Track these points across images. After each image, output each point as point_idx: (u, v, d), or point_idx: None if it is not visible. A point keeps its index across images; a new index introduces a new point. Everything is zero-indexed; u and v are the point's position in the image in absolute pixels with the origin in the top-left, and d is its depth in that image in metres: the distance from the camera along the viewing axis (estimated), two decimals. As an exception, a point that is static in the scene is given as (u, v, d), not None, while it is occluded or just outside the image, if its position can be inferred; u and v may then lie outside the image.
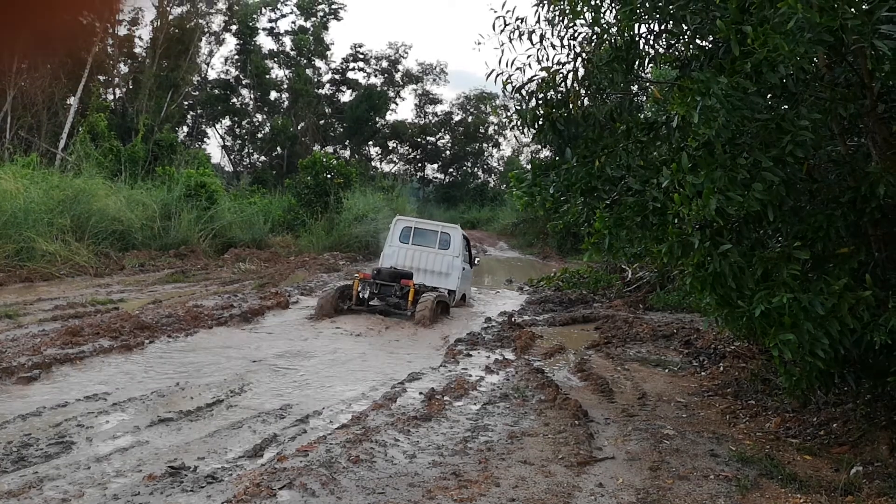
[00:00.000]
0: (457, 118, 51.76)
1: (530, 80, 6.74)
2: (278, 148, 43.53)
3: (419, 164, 53.33)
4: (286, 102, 45.23)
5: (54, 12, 0.80)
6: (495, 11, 6.65)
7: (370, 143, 49.72)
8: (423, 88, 50.44)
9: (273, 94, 45.51)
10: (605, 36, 6.48)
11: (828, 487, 5.02)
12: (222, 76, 43.74)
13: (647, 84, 7.54)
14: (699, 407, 7.62)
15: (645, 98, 7.80)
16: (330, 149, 45.74)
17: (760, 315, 4.98)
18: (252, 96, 44.58)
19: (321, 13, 44.70)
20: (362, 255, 23.00)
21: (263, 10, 43.48)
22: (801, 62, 4.75)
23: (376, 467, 5.02)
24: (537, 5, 6.59)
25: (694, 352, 10.36)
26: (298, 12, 44.37)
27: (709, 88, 4.70)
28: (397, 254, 14.32)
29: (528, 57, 6.75)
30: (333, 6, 44.78)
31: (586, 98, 6.83)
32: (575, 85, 6.71)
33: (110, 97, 34.12)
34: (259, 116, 45.36)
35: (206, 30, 39.37)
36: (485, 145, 52.36)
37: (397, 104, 50.86)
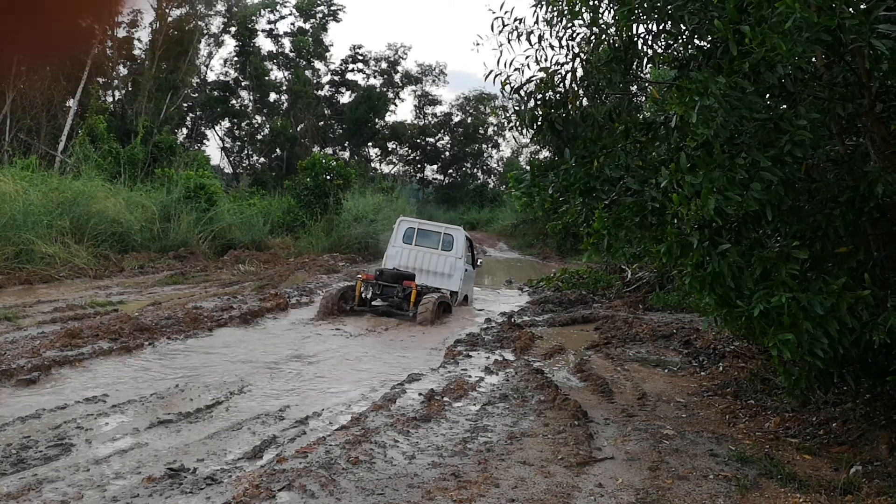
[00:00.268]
0: (456, 119, 51.84)
1: (529, 81, 6.73)
2: (277, 149, 43.54)
3: (419, 166, 53.37)
4: (285, 104, 45.25)
5: (55, 19, 0.80)
6: (494, 12, 6.66)
7: (370, 144, 49.75)
8: (422, 89, 50.54)
9: (272, 96, 45.58)
10: (604, 36, 6.47)
11: (827, 487, 5.02)
12: (221, 78, 43.84)
13: (646, 84, 7.54)
14: (699, 407, 7.62)
15: (643, 98, 7.80)
16: (329, 150, 45.75)
17: (759, 315, 4.97)
18: (251, 98, 44.60)
19: (320, 15, 44.74)
20: (362, 256, 23.00)
21: (262, 12, 43.52)
22: (800, 62, 4.75)
23: (376, 468, 5.02)
24: (535, 6, 6.58)
25: (693, 352, 10.36)
26: (297, 14, 44.43)
27: (707, 88, 4.70)
28: (400, 254, 14.38)
29: (527, 57, 6.76)
30: (332, 7, 44.85)
31: (585, 98, 6.83)
32: (573, 85, 6.71)
33: (109, 99, 34.17)
34: (258, 118, 45.40)
35: (205, 31, 39.42)
36: (484, 146, 52.42)
37: (396, 105, 50.93)
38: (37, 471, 4.65)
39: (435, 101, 51.34)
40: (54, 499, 4.23)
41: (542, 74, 6.70)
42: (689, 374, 9.20)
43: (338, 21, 46.72)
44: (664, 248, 5.58)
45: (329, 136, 47.81)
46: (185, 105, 40.48)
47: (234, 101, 44.14)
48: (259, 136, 45.14)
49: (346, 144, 48.84)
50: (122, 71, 35.68)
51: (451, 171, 52.87)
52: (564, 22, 6.54)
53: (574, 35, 6.66)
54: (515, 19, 6.64)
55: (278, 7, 43.96)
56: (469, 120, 51.15)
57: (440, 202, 49.24)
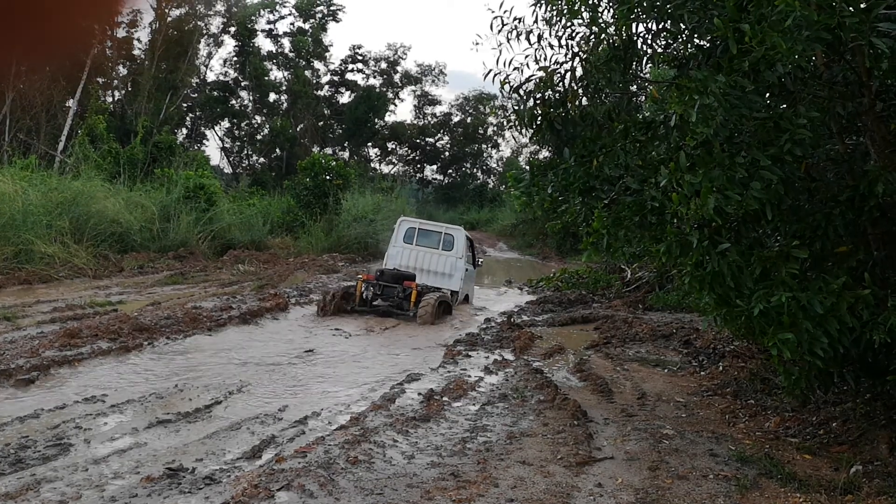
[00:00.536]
0: (456, 119, 51.84)
1: (528, 80, 6.72)
2: (277, 149, 43.54)
3: (418, 166, 53.36)
4: (285, 104, 45.25)
5: (54, 19, 0.79)
6: (493, 11, 6.65)
7: (369, 144, 49.75)
8: (421, 89, 50.54)
9: (272, 96, 45.59)
10: (603, 35, 6.46)
11: (827, 487, 5.01)
12: (221, 78, 43.83)
13: (646, 83, 7.53)
14: (698, 407, 7.61)
15: (643, 97, 7.79)
16: (329, 150, 45.75)
17: (759, 314, 4.96)
18: (251, 98, 44.62)
19: (319, 15, 44.74)
20: (361, 256, 22.99)
21: (262, 12, 43.53)
22: (799, 60, 4.74)
23: (375, 468, 5.01)
24: (535, 5, 6.57)
25: (693, 351, 10.35)
26: (297, 14, 44.43)
27: (707, 87, 4.69)
28: (401, 254, 14.43)
29: (526, 57, 6.74)
30: (332, 7, 44.84)
31: (584, 98, 6.82)
32: (573, 84, 6.70)
33: (109, 99, 34.16)
34: (258, 118, 45.41)
35: (204, 32, 39.41)
36: (484, 146, 52.42)
37: (396, 105, 50.97)
38: (35, 471, 4.64)
39: (434, 101, 51.40)
40: (52, 499, 4.22)
41: (541, 74, 6.69)
42: (688, 374, 9.19)
43: (337, 21, 46.77)
44: (664, 247, 5.57)
45: (329, 136, 47.80)
46: (185, 105, 40.49)
47: (233, 102, 44.13)
48: (259, 137, 45.15)
49: (345, 144, 48.84)
50: (122, 71, 35.72)
51: (450, 171, 52.87)
52: (564, 21, 6.53)
53: (573, 34, 6.65)
54: (515, 18, 6.64)
55: (278, 7, 44.00)
56: (469, 120, 51.15)
57: (440, 202, 49.23)
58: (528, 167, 7.10)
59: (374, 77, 48.54)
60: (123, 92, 35.77)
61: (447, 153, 52.31)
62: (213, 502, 4.28)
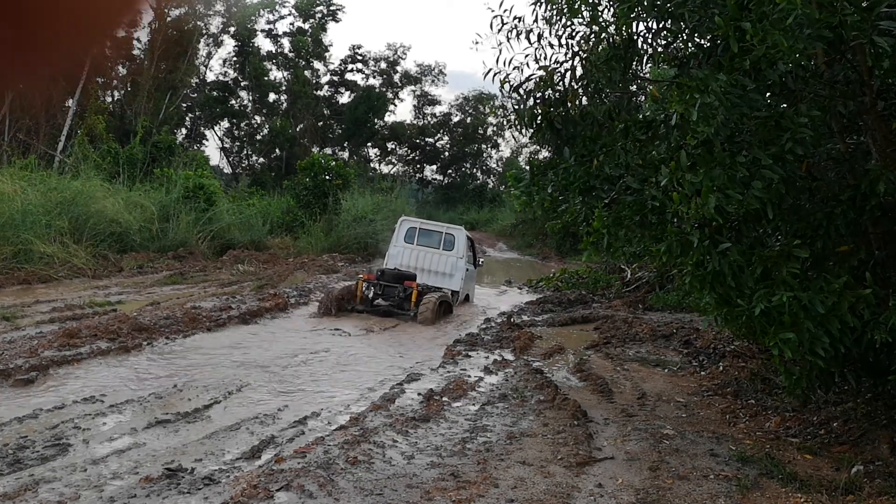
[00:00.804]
0: (455, 119, 51.75)
1: (528, 80, 6.70)
2: (277, 150, 43.49)
3: (418, 166, 53.30)
4: (285, 104, 45.19)
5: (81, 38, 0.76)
6: (493, 11, 6.64)
7: (369, 144, 49.69)
8: (421, 89, 50.43)
9: (272, 96, 45.50)
10: (603, 34, 6.45)
11: (828, 487, 5.00)
12: (221, 78, 43.73)
13: (646, 83, 7.51)
14: (699, 407, 7.60)
15: (643, 97, 7.78)
16: (329, 150, 45.70)
17: (760, 314, 4.95)
18: (250, 98, 44.55)
19: (319, 15, 44.67)
20: (361, 256, 22.97)
21: (261, 12, 43.45)
22: (800, 59, 4.74)
23: (374, 468, 4.99)
24: (535, 4, 6.56)
25: (693, 351, 10.34)
26: (296, 14, 44.35)
27: (707, 86, 4.68)
28: (402, 254, 14.43)
29: (526, 56, 6.73)
30: (331, 7, 44.77)
31: (584, 97, 6.80)
32: (573, 84, 6.69)
33: (108, 99, 34.09)
34: (258, 118, 45.34)
35: (204, 32, 39.35)
36: (483, 146, 52.33)
37: (396, 105, 50.80)
38: (34, 471, 4.62)
39: (434, 101, 51.30)
40: (51, 499, 4.20)
41: (541, 73, 6.68)
42: (689, 374, 9.17)
43: (337, 21, 46.61)
44: (664, 247, 5.56)
45: (328, 136, 47.76)
46: (185, 105, 40.42)
47: (233, 102, 44.07)
48: (258, 137, 45.09)
49: (345, 144, 48.78)
50: (122, 71, 35.63)
51: (450, 171, 52.81)
52: (564, 20, 6.52)
53: (573, 33, 6.64)
54: (515, 18, 6.63)
55: (277, 7, 43.94)
56: (468, 120, 51.08)
57: (439, 202, 49.18)
58: (528, 167, 7.09)
59: (374, 77, 48.52)
60: (123, 92, 35.70)
61: (447, 153, 52.25)
62: (213, 502, 4.26)
